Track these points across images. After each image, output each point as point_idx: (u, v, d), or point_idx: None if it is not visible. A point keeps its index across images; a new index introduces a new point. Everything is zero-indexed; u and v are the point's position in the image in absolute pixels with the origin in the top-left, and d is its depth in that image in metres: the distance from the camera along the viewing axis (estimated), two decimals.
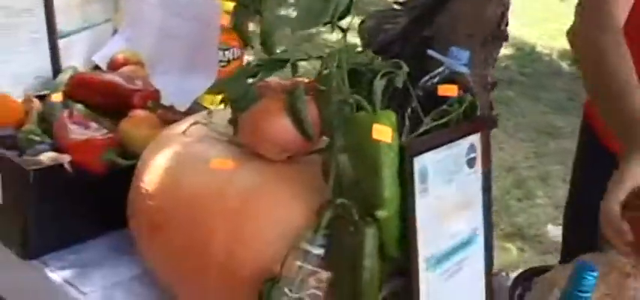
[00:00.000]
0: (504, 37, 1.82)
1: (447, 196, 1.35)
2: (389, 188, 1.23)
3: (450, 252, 1.37)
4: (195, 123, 1.49)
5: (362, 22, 1.81)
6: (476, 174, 1.42)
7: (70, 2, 2.14)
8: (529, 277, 1.53)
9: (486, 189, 1.43)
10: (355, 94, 1.29)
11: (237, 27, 1.51)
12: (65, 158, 1.53)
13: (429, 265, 1.31)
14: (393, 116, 1.27)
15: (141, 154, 1.56)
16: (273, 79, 1.45)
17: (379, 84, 1.34)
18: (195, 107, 1.82)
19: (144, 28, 2.02)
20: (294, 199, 1.31)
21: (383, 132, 1.23)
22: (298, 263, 1.23)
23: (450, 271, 1.37)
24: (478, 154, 1.42)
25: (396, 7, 1.82)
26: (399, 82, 1.37)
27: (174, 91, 1.83)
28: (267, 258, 1.28)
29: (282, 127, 1.32)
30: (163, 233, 1.37)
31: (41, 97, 1.84)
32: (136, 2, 2.05)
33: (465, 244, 1.41)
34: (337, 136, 1.27)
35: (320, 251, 1.24)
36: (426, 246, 1.30)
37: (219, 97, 1.89)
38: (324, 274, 1.23)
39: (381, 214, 1.23)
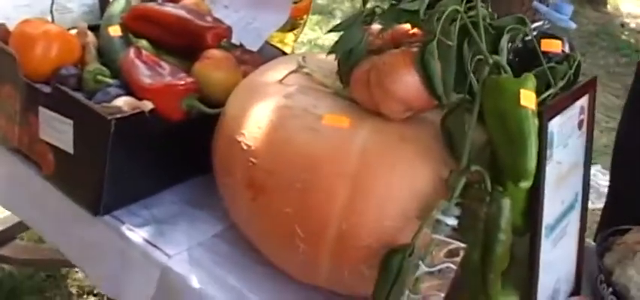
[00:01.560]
0: None
1: (563, 160, 1.31)
2: (534, 159, 1.17)
3: (559, 218, 1.33)
4: (293, 71, 1.40)
5: None
6: (582, 137, 1.38)
7: None
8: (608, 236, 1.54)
9: (588, 150, 1.40)
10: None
11: None
12: (147, 106, 1.44)
13: (546, 232, 1.27)
14: (534, 80, 1.21)
15: (217, 96, 1.50)
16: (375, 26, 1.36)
17: (506, 41, 1.28)
18: (266, 48, 1.74)
19: None
20: (420, 163, 1.25)
21: (529, 98, 1.17)
22: (432, 235, 1.17)
23: (558, 237, 1.34)
24: (585, 116, 1.37)
25: None
26: (521, 40, 1.32)
27: (240, 27, 1.74)
28: (391, 227, 1.22)
29: (410, 83, 1.24)
30: (268, 195, 1.29)
31: (92, 29, 1.73)
32: None
33: (570, 208, 1.38)
34: (475, 98, 1.20)
35: (454, 222, 1.18)
36: (546, 214, 1.25)
37: (288, 34, 1.82)
38: (460, 246, 1.17)
39: (524, 184, 1.17)
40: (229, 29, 1.67)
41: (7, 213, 2.74)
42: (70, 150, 1.46)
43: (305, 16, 1.94)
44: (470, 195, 1.20)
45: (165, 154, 1.48)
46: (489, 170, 1.19)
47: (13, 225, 2.55)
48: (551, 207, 1.28)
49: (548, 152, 1.23)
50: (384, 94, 1.26)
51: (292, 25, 1.90)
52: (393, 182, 1.23)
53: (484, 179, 1.19)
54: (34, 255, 2.63)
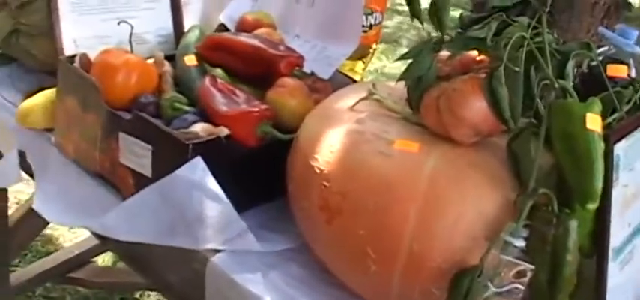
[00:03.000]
0: (627, 7, 1.80)
1: (629, 183, 1.35)
2: (600, 181, 1.22)
3: (626, 241, 1.37)
4: (364, 97, 1.47)
5: None
6: None
7: None
8: None
9: None
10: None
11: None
12: (223, 131, 1.52)
13: (612, 256, 1.31)
14: (600, 105, 1.26)
15: (290, 123, 1.57)
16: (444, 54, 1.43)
17: (572, 66, 1.33)
18: (337, 75, 1.81)
19: None
20: (487, 187, 1.30)
21: (595, 121, 1.22)
22: (500, 256, 1.22)
23: (624, 260, 1.37)
24: None
25: None
26: (586, 65, 1.37)
27: (312, 56, 1.82)
28: (460, 248, 1.27)
29: (479, 109, 1.30)
30: (343, 218, 1.35)
31: (168, 58, 1.82)
32: None
33: (636, 232, 1.41)
34: (542, 122, 1.26)
35: (522, 243, 1.23)
36: (614, 237, 1.29)
37: (358, 62, 1.90)
38: (527, 267, 1.22)
39: (591, 206, 1.22)
40: (302, 58, 1.75)
41: (83, 236, 2.87)
42: (149, 174, 1.54)
43: (374, 45, 2.01)
44: (537, 217, 1.25)
45: (240, 179, 1.54)
46: (556, 193, 1.24)
47: (88, 248, 2.66)
48: (618, 230, 1.32)
49: (614, 175, 1.27)
50: (454, 119, 1.32)
51: (362, 53, 1.97)
52: (462, 205, 1.29)
53: (551, 202, 1.23)
54: (109, 277, 2.74)
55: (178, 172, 1.47)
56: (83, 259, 2.67)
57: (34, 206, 1.67)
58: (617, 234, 1.31)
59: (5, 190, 2.42)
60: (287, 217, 1.53)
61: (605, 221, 1.27)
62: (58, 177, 1.72)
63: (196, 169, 1.48)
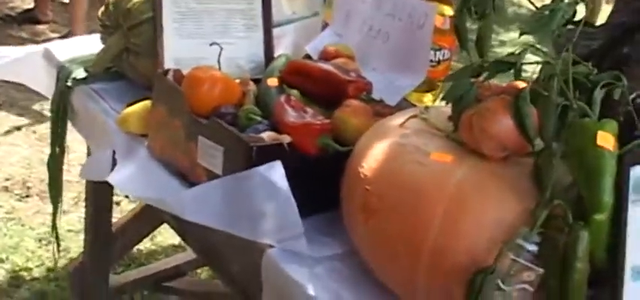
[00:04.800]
0: None
1: None
2: (607, 194, 1.33)
3: None
4: (412, 116, 1.62)
5: (557, 36, 1.91)
6: None
7: None
8: None
9: None
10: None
11: (458, 30, 1.63)
12: (285, 138, 1.69)
13: (633, 275, 1.39)
14: (615, 125, 1.37)
15: (352, 141, 1.72)
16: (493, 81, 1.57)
17: (599, 94, 1.45)
18: (404, 103, 1.97)
19: (355, 25, 2.19)
20: (509, 196, 1.42)
21: (607, 139, 1.34)
22: (512, 257, 1.35)
23: None
24: None
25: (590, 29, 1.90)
26: (618, 94, 1.48)
27: (383, 86, 1.98)
28: (479, 249, 1.39)
29: (505, 127, 1.43)
30: (378, 217, 1.51)
31: (255, 81, 2.02)
32: (347, 0, 2.21)
33: None
34: (559, 139, 1.39)
35: (534, 248, 1.35)
36: (633, 255, 1.38)
37: (427, 94, 2.05)
38: (537, 271, 1.34)
39: (598, 217, 1.33)
40: (369, 84, 1.91)
41: (185, 256, 3.09)
42: (220, 173, 1.73)
43: (443, 78, 2.16)
44: (551, 226, 1.37)
45: (300, 185, 1.68)
46: (574, 207, 1.36)
47: (186, 262, 2.87)
48: (638, 248, 1.40)
49: (634, 195, 1.37)
50: (483, 134, 1.46)
51: (429, 86, 2.12)
52: (484, 210, 1.42)
53: (566, 213, 1.36)
54: (203, 288, 2.93)
55: (257, 168, 1.65)
56: (180, 271, 2.88)
57: (109, 178, 1.89)
58: (636, 252, 1.40)
59: (110, 193, 2.67)
60: (340, 224, 1.68)
61: (619, 236, 1.36)
62: (141, 168, 1.93)
63: (274, 170, 1.65)
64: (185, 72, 1.94)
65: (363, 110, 1.83)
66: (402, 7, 2.06)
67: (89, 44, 2.55)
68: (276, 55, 2.21)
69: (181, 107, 1.83)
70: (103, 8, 2.31)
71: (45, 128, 4.61)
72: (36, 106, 4.85)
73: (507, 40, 9.07)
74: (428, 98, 2.15)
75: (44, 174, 4.06)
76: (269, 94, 1.92)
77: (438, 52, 2.12)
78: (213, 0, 2.18)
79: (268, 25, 2.22)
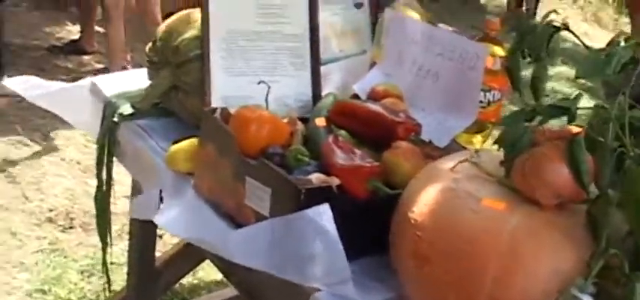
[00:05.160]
0: None
1: None
2: None
3: None
4: (463, 161, 1.61)
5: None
6: None
7: (328, 32, 2.34)
8: None
9: None
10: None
11: (511, 71, 1.62)
12: (334, 181, 1.69)
13: None
14: None
15: (402, 184, 1.71)
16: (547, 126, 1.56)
17: None
18: (453, 145, 1.95)
19: (404, 65, 2.18)
20: (563, 246, 1.41)
21: None
22: None
23: None
24: None
25: None
26: None
27: (432, 127, 1.97)
28: (533, 298, 1.38)
29: (560, 174, 1.42)
30: (429, 264, 1.49)
31: (303, 120, 2.02)
32: (397, 39, 2.21)
33: None
34: (615, 187, 1.37)
35: (589, 299, 1.33)
36: None
37: (476, 136, 2.04)
38: None
39: None
40: (419, 125, 1.91)
41: (227, 292, 3.09)
42: (267, 214, 1.73)
43: (493, 120, 2.15)
44: (607, 276, 1.35)
45: (348, 228, 1.67)
46: (631, 257, 1.34)
47: (227, 299, 2.87)
48: None
49: None
50: (537, 181, 1.44)
51: (479, 128, 2.11)
52: (539, 261, 1.40)
53: (623, 263, 1.34)
54: None
55: (306, 211, 1.65)
56: None
57: (156, 219, 1.89)
58: None
59: (154, 227, 2.67)
60: (389, 269, 1.67)
61: None
62: (188, 208, 1.94)
63: (322, 214, 1.64)
64: (233, 111, 1.94)
65: (413, 152, 1.82)
66: (453, 47, 2.05)
67: (135, 79, 2.57)
68: (323, 93, 2.21)
69: (229, 147, 1.84)
70: (150, 44, 2.33)
71: (89, 159, 4.65)
72: (80, 138, 4.88)
73: (553, 74, 9.05)
74: (477, 140, 2.13)
75: (87, 205, 4.12)
76: (317, 135, 1.92)
77: (488, 94, 2.11)
78: (262, 38, 2.19)
79: (316, 63, 2.22)
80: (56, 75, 5.97)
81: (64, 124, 5.04)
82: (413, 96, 2.13)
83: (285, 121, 1.99)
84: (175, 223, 1.92)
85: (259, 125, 1.86)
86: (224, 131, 1.87)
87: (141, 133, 2.29)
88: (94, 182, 4.34)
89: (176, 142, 2.13)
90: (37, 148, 4.77)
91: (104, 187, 2.53)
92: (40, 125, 5.00)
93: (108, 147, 2.42)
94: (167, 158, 2.07)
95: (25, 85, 2.62)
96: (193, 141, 2.04)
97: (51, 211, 4.10)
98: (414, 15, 2.27)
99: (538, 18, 1.57)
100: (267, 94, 2.02)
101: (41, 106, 2.69)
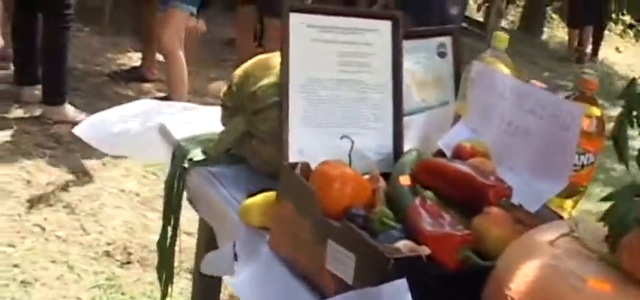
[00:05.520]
0: None
1: None
2: None
3: None
4: (564, 235, 1.51)
5: None
6: None
7: (409, 81, 2.25)
8: None
9: None
10: None
11: (619, 142, 1.52)
12: (424, 250, 1.60)
13: None
14: None
15: (492, 252, 1.63)
16: None
17: None
18: (544, 210, 1.86)
19: (491, 120, 2.09)
20: None
21: None
22: None
23: None
24: None
25: None
26: None
27: (522, 188, 1.87)
28: None
29: None
30: None
31: (384, 175, 1.93)
32: (484, 93, 2.12)
33: None
34: None
35: None
36: None
37: (567, 200, 1.94)
38: None
39: None
40: (510, 189, 1.82)
41: None
42: (350, 281, 1.64)
43: (585, 184, 2.05)
44: None
45: (437, 299, 1.61)
46: None
47: None
48: None
49: None
50: None
51: (571, 191, 2.00)
52: None
53: None
54: None
55: (383, 287, 1.56)
56: None
57: (230, 281, 1.81)
58: None
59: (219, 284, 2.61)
60: None
61: None
62: (262, 268, 1.86)
63: (399, 290, 1.55)
64: (314, 166, 1.86)
65: (504, 219, 1.73)
66: (546, 105, 1.95)
67: (204, 120, 2.52)
68: (405, 146, 2.12)
69: (310, 206, 1.76)
70: (225, 88, 2.27)
71: (147, 191, 4.63)
72: (139, 169, 4.87)
73: (615, 116, 8.88)
74: (568, 204, 2.04)
75: (146, 240, 4.09)
76: (402, 195, 1.84)
77: (582, 156, 2.01)
78: (343, 87, 2.11)
79: (399, 115, 2.14)
80: (117, 102, 5.98)
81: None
82: (500, 154, 2.03)
83: (367, 177, 1.90)
84: (249, 287, 1.84)
85: (343, 183, 1.79)
86: (305, 188, 1.79)
87: (212, 180, 2.23)
88: (153, 215, 4.39)
89: (250, 193, 2.06)
90: (96, 177, 4.75)
91: (169, 231, 2.46)
92: (99, 154, 4.99)
93: (176, 192, 2.36)
94: (241, 211, 2.00)
95: (91, 131, 2.64)
96: (268, 195, 1.96)
97: (109, 244, 4.07)
98: (504, 68, 2.18)
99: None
100: (350, 150, 1.94)
101: (109, 152, 2.65)
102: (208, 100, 6.72)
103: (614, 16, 13.97)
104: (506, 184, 1.84)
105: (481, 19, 13.00)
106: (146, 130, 2.55)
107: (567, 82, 10.43)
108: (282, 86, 2.07)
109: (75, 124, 5.33)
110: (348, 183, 1.79)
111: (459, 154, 2.03)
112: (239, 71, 2.23)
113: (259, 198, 1.99)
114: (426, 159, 1.96)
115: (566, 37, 12.99)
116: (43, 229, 4.09)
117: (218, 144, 2.23)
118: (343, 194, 1.78)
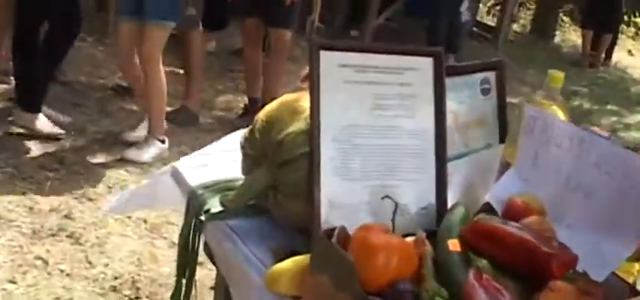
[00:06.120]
0: None
1: None
2: None
3: None
4: None
5: None
6: None
7: (451, 123, 2.03)
8: None
9: None
10: None
11: None
12: None
13: None
14: None
15: None
16: None
17: None
18: (611, 278, 1.66)
19: (548, 172, 1.88)
20: None
21: None
22: None
23: None
24: None
25: None
26: None
27: (584, 251, 1.67)
28: None
29: None
30: None
31: (428, 234, 1.72)
32: (538, 141, 1.90)
33: None
34: None
35: None
36: None
37: (635, 264, 1.73)
38: None
39: None
40: (576, 258, 1.61)
41: None
42: None
43: None
44: None
45: None
46: None
47: None
48: None
49: None
50: None
51: (639, 254, 1.79)
52: None
53: None
54: None
55: None
56: None
57: None
58: None
59: None
60: None
61: None
62: None
63: None
64: (346, 223, 1.66)
65: (570, 295, 1.53)
66: (613, 160, 1.74)
67: (221, 164, 2.30)
68: (449, 198, 1.91)
69: (350, 280, 1.55)
70: (245, 133, 2.04)
71: (155, 218, 4.43)
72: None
73: (632, 124, 8.66)
74: (636, 268, 1.82)
75: (154, 272, 3.89)
76: (452, 264, 1.64)
77: None
78: (379, 135, 1.89)
79: (442, 163, 1.92)
80: (121, 119, 5.79)
81: (131, 175, 4.86)
82: (557, 210, 1.83)
83: (410, 239, 1.69)
84: None
85: (388, 255, 1.59)
86: (344, 261, 1.58)
87: (231, 236, 2.00)
88: (161, 243, 4.20)
89: (274, 250, 1.85)
90: (101, 203, 4.55)
91: (183, 286, 2.24)
92: (105, 179, 4.81)
93: (191, 246, 2.15)
94: (268, 279, 1.77)
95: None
96: (298, 260, 1.75)
97: (116, 278, 3.88)
98: (559, 112, 1.96)
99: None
100: (394, 214, 1.73)
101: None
102: (217, 113, 6.54)
103: (625, 17, 13.74)
104: (570, 251, 1.63)
105: (491, 23, 12.78)
106: (159, 178, 2.35)
107: (581, 87, 10.22)
108: (311, 134, 1.85)
109: (47, 136, 5.17)
110: (394, 254, 1.59)
111: (510, 211, 1.82)
112: (262, 115, 1.99)
113: (288, 265, 1.76)
114: (477, 221, 1.74)
115: (579, 41, 12.77)
116: (46, 262, 3.88)
117: (238, 197, 2.01)
118: (388, 267, 1.58)
